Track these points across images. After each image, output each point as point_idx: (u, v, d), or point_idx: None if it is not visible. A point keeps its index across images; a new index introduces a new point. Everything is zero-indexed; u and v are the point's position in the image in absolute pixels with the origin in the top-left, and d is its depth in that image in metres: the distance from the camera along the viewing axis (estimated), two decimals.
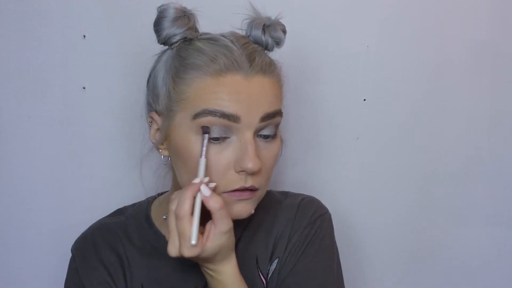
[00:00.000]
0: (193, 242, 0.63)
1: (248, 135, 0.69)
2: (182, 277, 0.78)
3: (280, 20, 0.77)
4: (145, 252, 0.80)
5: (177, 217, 0.65)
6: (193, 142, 0.69)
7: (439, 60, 1.09)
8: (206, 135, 0.68)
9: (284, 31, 0.77)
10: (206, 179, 0.67)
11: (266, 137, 0.72)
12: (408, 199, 1.12)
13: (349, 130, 1.09)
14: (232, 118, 0.67)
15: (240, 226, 0.78)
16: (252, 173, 0.69)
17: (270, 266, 0.80)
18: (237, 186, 0.70)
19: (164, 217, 0.70)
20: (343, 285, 0.82)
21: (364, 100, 1.08)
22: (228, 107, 0.67)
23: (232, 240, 0.69)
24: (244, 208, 0.72)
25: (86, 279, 0.79)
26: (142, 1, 0.99)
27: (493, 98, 1.12)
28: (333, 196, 1.08)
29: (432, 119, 1.10)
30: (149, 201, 0.85)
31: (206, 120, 0.68)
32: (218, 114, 0.67)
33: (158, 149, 0.76)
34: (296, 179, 1.08)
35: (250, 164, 0.68)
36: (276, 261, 0.80)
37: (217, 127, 0.68)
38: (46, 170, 1.00)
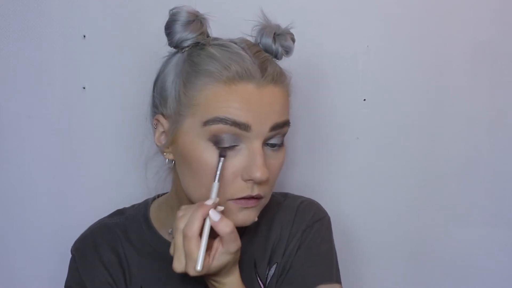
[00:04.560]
0: (199, 268, 0.64)
1: (257, 144, 0.69)
2: (181, 279, 0.78)
3: (290, 29, 0.77)
4: (144, 254, 0.80)
5: (185, 237, 0.65)
6: (202, 148, 0.69)
7: (439, 60, 1.09)
8: (222, 158, 0.68)
9: (293, 40, 0.77)
10: (216, 200, 0.67)
11: (273, 145, 0.72)
12: (408, 199, 1.12)
13: (349, 130, 1.09)
14: (243, 126, 0.67)
15: (239, 229, 0.78)
16: (260, 182, 0.69)
17: (268, 271, 0.80)
18: (243, 194, 0.70)
19: (170, 232, 0.70)
20: None
21: (364, 100, 1.08)
22: (240, 116, 0.67)
23: (237, 257, 0.69)
24: (249, 216, 0.72)
25: (88, 278, 0.79)
26: (142, 1, 0.99)
27: (493, 98, 1.12)
28: (333, 196, 1.08)
29: (432, 119, 1.10)
30: (148, 203, 0.85)
31: (216, 127, 0.67)
32: (229, 122, 0.67)
33: (163, 152, 0.75)
34: (296, 179, 1.08)
35: (259, 173, 0.68)
36: (274, 266, 0.80)
37: (227, 135, 0.68)
38: (46, 170, 1.00)
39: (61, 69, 0.99)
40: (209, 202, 0.66)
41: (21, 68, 0.97)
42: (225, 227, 0.65)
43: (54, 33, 0.98)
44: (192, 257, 0.64)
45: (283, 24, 0.77)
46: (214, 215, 0.65)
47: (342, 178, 1.10)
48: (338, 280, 0.81)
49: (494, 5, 1.09)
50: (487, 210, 1.14)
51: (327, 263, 0.80)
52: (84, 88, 1.00)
